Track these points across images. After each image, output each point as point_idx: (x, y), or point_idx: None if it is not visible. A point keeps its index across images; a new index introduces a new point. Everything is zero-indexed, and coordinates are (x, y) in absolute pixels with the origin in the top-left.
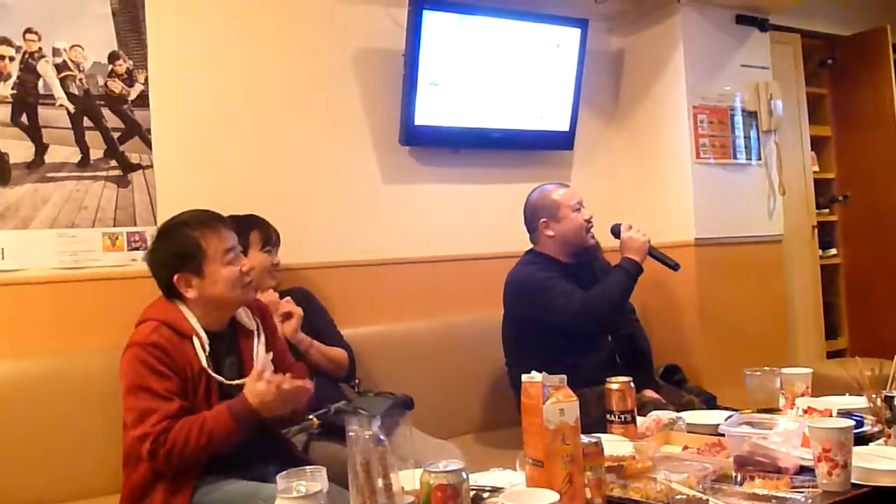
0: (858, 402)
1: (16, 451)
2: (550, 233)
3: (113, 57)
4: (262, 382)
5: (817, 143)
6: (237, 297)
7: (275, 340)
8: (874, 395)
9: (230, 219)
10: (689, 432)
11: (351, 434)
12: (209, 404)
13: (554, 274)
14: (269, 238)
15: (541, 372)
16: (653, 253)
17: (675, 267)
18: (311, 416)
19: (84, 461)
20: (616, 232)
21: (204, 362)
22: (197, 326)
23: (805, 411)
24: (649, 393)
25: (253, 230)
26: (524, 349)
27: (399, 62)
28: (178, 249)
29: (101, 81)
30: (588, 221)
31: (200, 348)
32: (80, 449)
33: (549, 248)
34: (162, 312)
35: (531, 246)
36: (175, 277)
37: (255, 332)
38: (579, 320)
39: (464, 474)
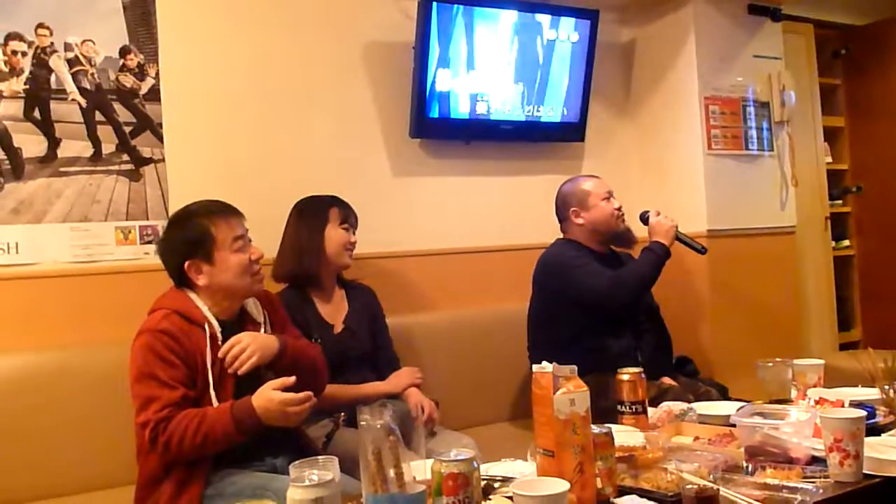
0: (871, 393)
1: (31, 443)
2: (580, 221)
3: (124, 51)
4: (274, 393)
5: (830, 134)
6: (246, 284)
7: (283, 332)
8: (886, 387)
9: (309, 200)
10: (700, 423)
11: (362, 423)
12: (220, 391)
13: (584, 255)
14: (348, 216)
15: (563, 355)
16: (680, 237)
17: (702, 251)
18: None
19: (98, 453)
20: (644, 219)
21: (207, 356)
22: (208, 314)
23: (817, 402)
24: (667, 380)
25: (332, 207)
26: (549, 332)
27: (409, 55)
28: (188, 236)
29: (112, 76)
30: (618, 210)
31: (211, 336)
32: (94, 441)
33: (580, 236)
34: (173, 301)
35: (544, 237)
36: (186, 264)
37: (263, 324)
38: (607, 297)
39: (474, 463)
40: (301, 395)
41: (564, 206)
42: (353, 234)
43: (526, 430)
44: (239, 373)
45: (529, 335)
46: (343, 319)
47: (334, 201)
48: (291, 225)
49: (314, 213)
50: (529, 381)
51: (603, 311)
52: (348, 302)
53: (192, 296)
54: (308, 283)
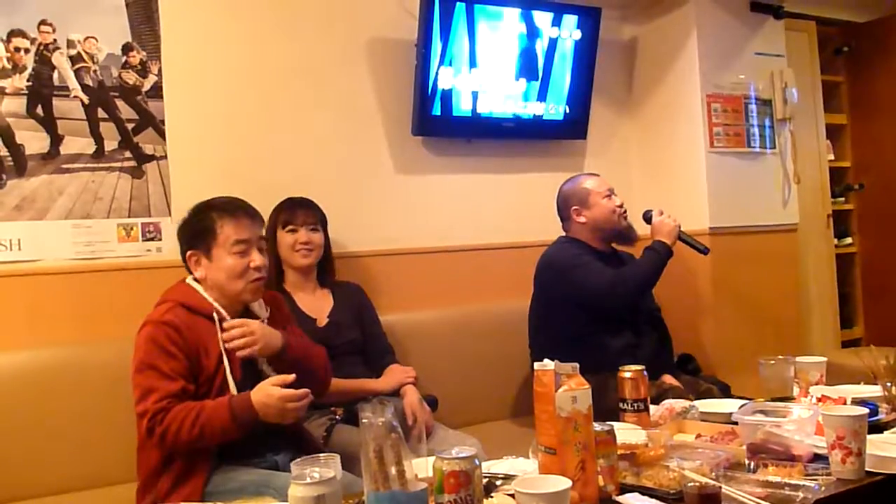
0: (873, 390)
1: (33, 440)
2: (582, 219)
3: (127, 48)
4: (273, 388)
5: (833, 132)
6: (236, 289)
7: (284, 331)
8: (889, 384)
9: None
10: (702, 421)
11: (364, 421)
12: (221, 383)
13: (586, 254)
14: (292, 218)
15: (564, 354)
16: (683, 237)
17: (704, 251)
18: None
19: (101, 450)
20: (648, 218)
21: (220, 343)
22: (216, 305)
23: (819, 399)
24: (669, 379)
25: (280, 212)
26: (550, 331)
27: (411, 52)
28: (194, 227)
29: (115, 73)
30: (620, 207)
31: (220, 321)
32: (96, 438)
33: (582, 235)
34: (180, 294)
35: (546, 235)
36: (188, 253)
37: (264, 321)
38: (608, 296)
39: (476, 461)
40: (299, 391)
41: (566, 206)
42: (307, 232)
43: (528, 427)
44: (237, 354)
45: (530, 333)
46: (328, 314)
47: (284, 205)
48: None
49: (271, 219)
50: (531, 378)
51: (604, 310)
52: (334, 298)
53: (200, 288)
54: (279, 282)
